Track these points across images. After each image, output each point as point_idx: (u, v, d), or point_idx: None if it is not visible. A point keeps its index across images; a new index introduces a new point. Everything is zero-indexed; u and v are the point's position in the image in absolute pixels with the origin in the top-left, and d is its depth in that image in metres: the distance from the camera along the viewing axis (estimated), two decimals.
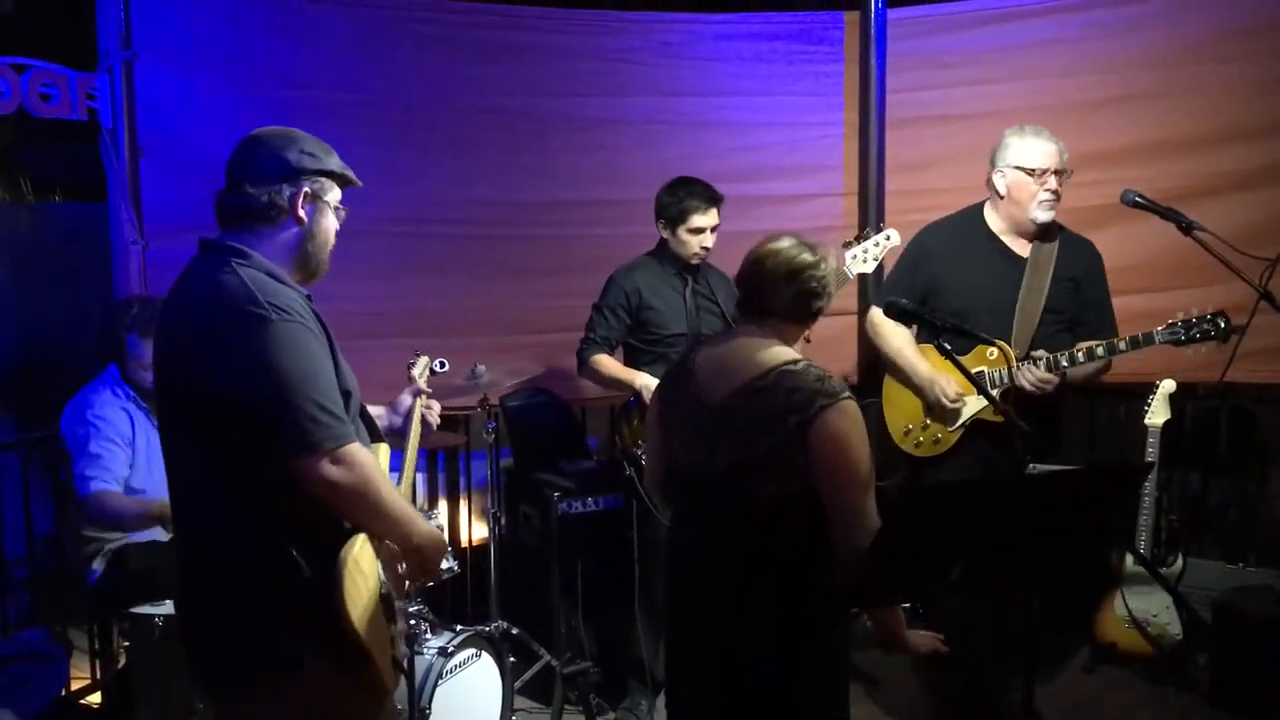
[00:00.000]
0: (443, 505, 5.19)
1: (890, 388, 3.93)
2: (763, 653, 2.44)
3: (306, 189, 2.29)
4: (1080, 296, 3.71)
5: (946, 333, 2.61)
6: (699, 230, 4.01)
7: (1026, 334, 3.65)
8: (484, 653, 3.74)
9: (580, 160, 4.89)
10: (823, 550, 2.37)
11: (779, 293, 2.49)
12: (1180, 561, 4.32)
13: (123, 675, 3.59)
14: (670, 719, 2.72)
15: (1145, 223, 3.68)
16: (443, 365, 3.33)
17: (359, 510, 2.22)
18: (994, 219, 3.76)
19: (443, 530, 3.90)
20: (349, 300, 4.40)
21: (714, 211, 4.02)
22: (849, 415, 2.36)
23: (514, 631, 4.10)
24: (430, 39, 4.67)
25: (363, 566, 2.23)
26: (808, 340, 2.61)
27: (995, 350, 3.63)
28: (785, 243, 2.53)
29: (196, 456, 2.22)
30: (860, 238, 4.14)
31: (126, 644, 3.51)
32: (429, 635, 3.58)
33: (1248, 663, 4.00)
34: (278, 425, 2.11)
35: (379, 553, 2.32)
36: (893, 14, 5.06)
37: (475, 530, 5.21)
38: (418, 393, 2.88)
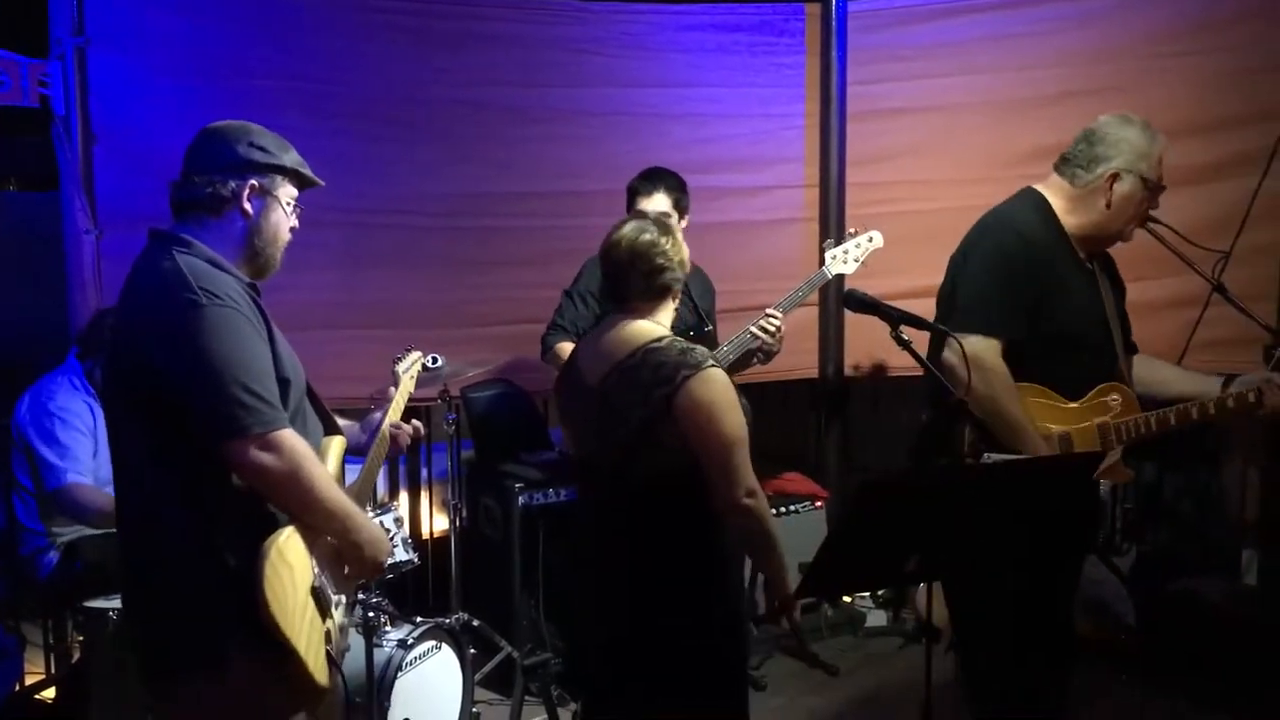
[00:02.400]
0: (403, 497, 5.17)
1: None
2: (663, 617, 2.54)
3: (254, 182, 2.29)
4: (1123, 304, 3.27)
5: (903, 324, 2.62)
6: (643, 214, 3.93)
7: (1122, 354, 3.15)
8: (444, 645, 3.72)
9: (542, 151, 4.87)
10: (703, 510, 2.51)
11: (628, 277, 2.60)
12: (1134, 551, 4.38)
13: (77, 670, 3.55)
14: (582, 692, 2.87)
15: None
16: (436, 361, 3.22)
17: (289, 498, 2.21)
18: (1069, 218, 3.03)
19: (402, 522, 3.86)
20: (310, 291, 4.38)
21: (659, 196, 3.92)
22: (713, 382, 2.47)
23: (475, 623, 4.09)
24: (390, 28, 4.62)
25: (288, 558, 2.21)
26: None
27: (1117, 396, 2.99)
28: (626, 228, 2.63)
29: (136, 446, 2.23)
30: (842, 237, 4.13)
31: (81, 638, 3.47)
32: (388, 627, 3.57)
33: (1200, 649, 4.06)
34: (207, 410, 2.12)
35: (314, 545, 2.29)
36: (853, 6, 5.08)
37: (436, 522, 5.19)
38: (387, 407, 2.76)
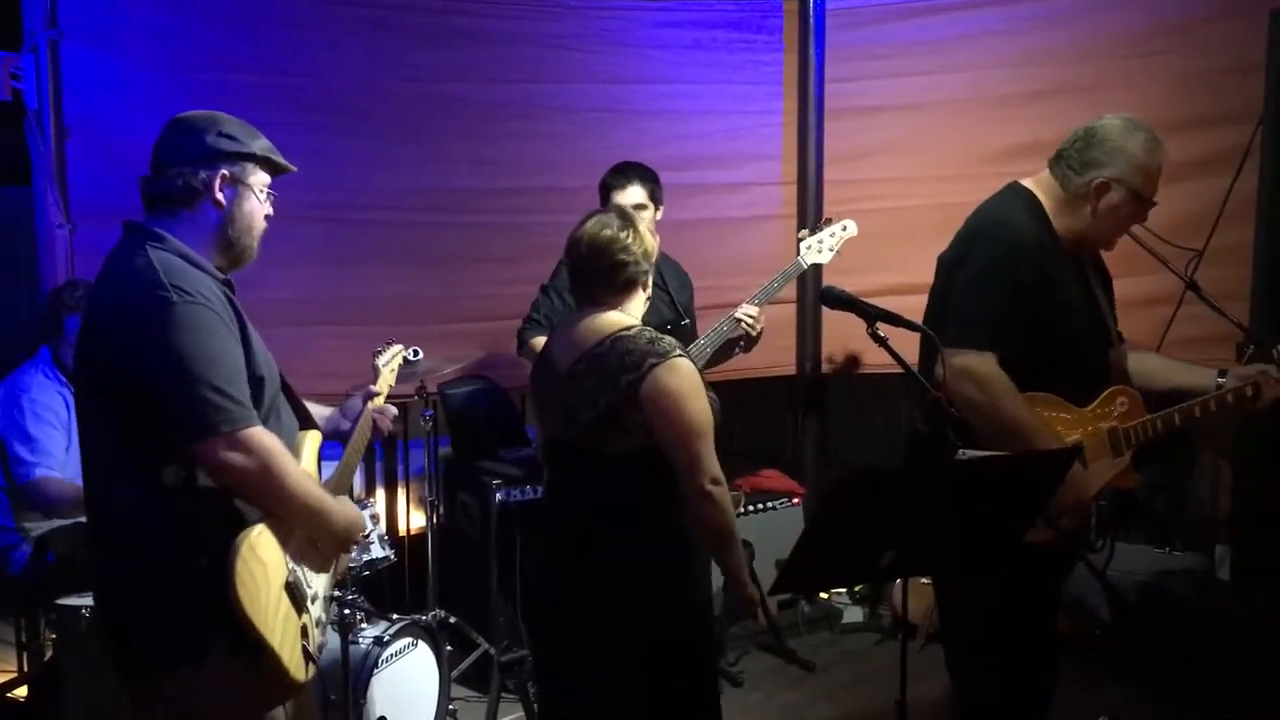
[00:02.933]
0: (380, 494, 5.15)
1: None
2: (623, 602, 2.57)
3: (224, 171, 2.27)
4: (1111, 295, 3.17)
5: (880, 320, 2.62)
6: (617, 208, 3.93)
7: (1119, 353, 3.08)
8: (421, 642, 3.72)
9: (518, 147, 4.86)
10: (668, 496, 2.55)
11: (591, 272, 2.63)
12: (1109, 546, 4.40)
13: (50, 667, 3.52)
14: (539, 684, 2.89)
15: None
16: (417, 354, 3.22)
17: (260, 495, 2.21)
18: (1057, 219, 2.90)
19: (378, 520, 3.85)
20: (287, 287, 4.37)
21: (633, 188, 3.90)
22: (679, 371, 2.50)
23: (451, 620, 4.08)
24: (369, 23, 4.60)
25: (260, 554, 2.20)
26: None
27: (1125, 400, 2.92)
28: (588, 224, 2.66)
29: (106, 442, 2.22)
30: (816, 227, 4.14)
31: (54, 635, 3.44)
32: (365, 625, 3.55)
33: (1174, 644, 4.09)
34: (176, 408, 2.11)
35: (288, 540, 2.29)
36: (831, 4, 5.10)
37: (413, 519, 5.18)
38: (368, 396, 2.76)
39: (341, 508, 2.39)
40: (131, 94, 4.14)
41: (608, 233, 2.61)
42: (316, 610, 2.40)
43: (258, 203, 2.34)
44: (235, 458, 2.13)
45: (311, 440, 2.49)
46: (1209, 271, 3.46)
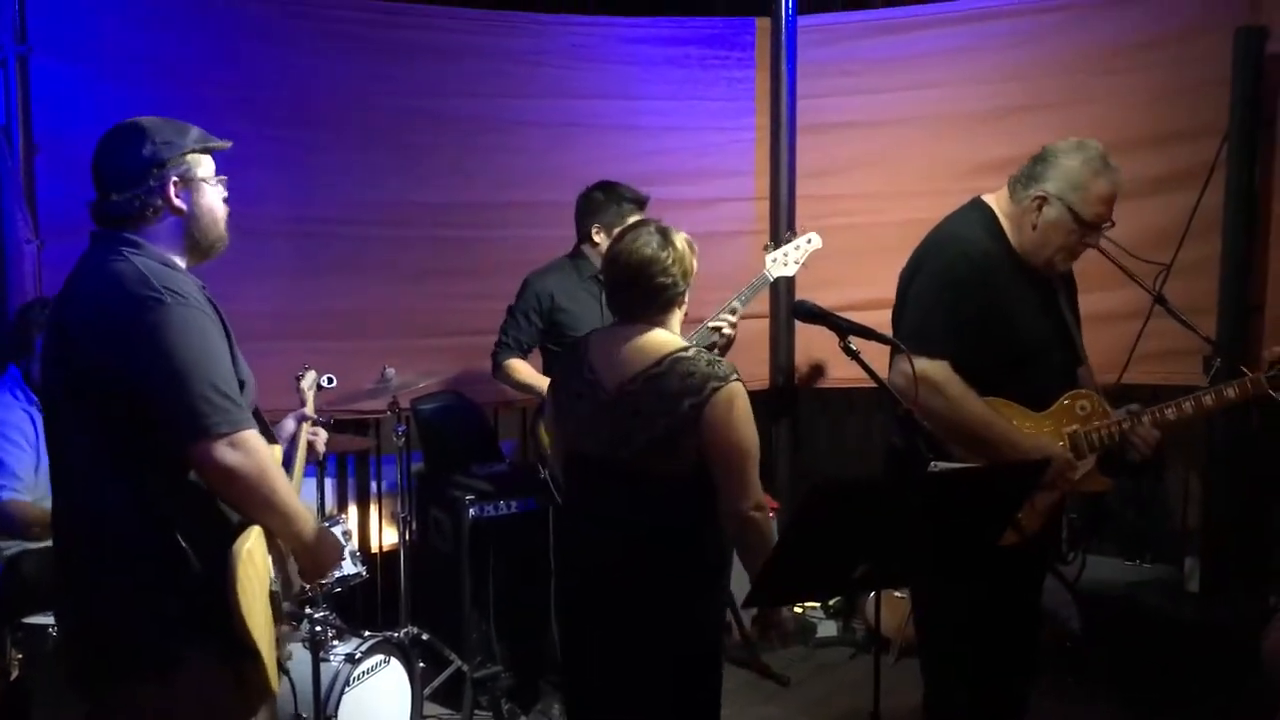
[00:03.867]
0: (352, 510, 5.12)
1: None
2: (660, 609, 2.60)
3: (174, 177, 2.25)
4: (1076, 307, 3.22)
5: (852, 334, 2.63)
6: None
7: (1088, 366, 3.11)
8: (393, 659, 3.69)
9: (491, 162, 4.87)
10: (710, 515, 2.59)
11: (631, 293, 2.64)
12: (1080, 558, 4.43)
13: (16, 687, 3.47)
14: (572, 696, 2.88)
15: None
16: (331, 381, 3.24)
17: (253, 500, 2.19)
18: (1011, 232, 2.97)
19: (350, 536, 3.83)
20: (258, 301, 4.35)
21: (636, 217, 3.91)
22: (739, 396, 2.55)
23: (424, 637, 4.06)
24: (340, 38, 4.60)
25: (255, 561, 2.20)
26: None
27: (1086, 404, 2.97)
28: (626, 241, 2.65)
29: (82, 447, 2.18)
30: (781, 240, 4.17)
31: (20, 655, 3.39)
32: (336, 642, 3.53)
33: (1144, 655, 4.11)
34: (174, 409, 2.09)
35: (270, 549, 2.29)
36: (803, 21, 5.13)
37: (385, 536, 5.15)
38: (302, 419, 2.74)
39: (324, 528, 2.40)
40: (101, 109, 4.10)
41: (647, 251, 2.60)
42: (286, 623, 2.42)
43: (212, 191, 2.33)
44: (235, 457, 2.11)
45: (275, 454, 2.46)
46: (1176, 285, 3.51)
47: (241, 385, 2.23)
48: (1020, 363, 2.92)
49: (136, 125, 2.27)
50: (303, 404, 2.87)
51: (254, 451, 2.14)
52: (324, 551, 2.39)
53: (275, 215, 4.38)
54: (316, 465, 2.74)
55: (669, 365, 2.55)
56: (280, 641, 2.33)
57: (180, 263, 2.27)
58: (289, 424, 2.71)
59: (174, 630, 2.15)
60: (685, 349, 2.59)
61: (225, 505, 2.21)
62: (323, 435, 2.76)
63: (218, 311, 2.25)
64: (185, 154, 2.27)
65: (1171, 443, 4.81)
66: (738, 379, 2.56)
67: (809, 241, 4.13)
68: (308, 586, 2.56)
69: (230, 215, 2.39)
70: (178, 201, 2.25)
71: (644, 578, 2.60)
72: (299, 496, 2.53)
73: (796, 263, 4.11)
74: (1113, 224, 2.94)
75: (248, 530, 2.20)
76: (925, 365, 2.81)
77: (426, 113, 4.76)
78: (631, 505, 2.62)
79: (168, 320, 2.10)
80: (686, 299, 2.70)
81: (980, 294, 2.88)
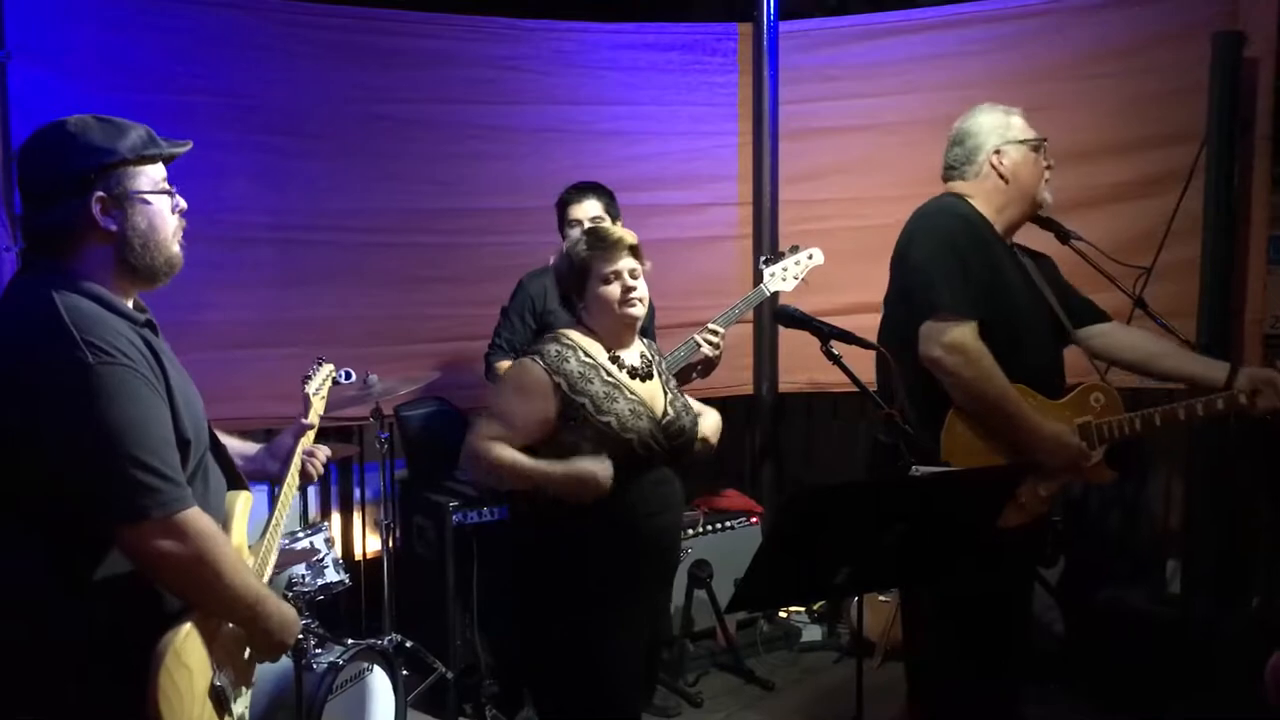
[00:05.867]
0: (335, 518, 5.10)
1: (960, 437, 2.90)
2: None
3: (100, 193, 1.91)
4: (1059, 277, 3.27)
5: (834, 339, 2.64)
6: (577, 222, 3.91)
7: (1100, 331, 3.18)
8: (376, 666, 3.68)
9: (473, 168, 4.86)
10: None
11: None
12: (1063, 562, 4.44)
13: None
14: None
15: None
16: (348, 376, 3.05)
17: (192, 586, 1.93)
18: (989, 210, 3.06)
19: (333, 543, 3.81)
20: (238, 309, 4.34)
21: (590, 203, 3.92)
22: (514, 366, 2.87)
23: (408, 644, 4.04)
24: (319, 45, 4.58)
25: (186, 660, 1.92)
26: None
27: (1101, 395, 3.01)
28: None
29: (12, 530, 1.89)
30: (780, 254, 4.12)
31: None
32: (319, 650, 3.51)
33: (1126, 657, 4.13)
34: (98, 489, 1.82)
35: (214, 638, 2.02)
36: (785, 27, 5.14)
37: (369, 543, 5.13)
38: (300, 431, 2.48)
39: (277, 603, 2.10)
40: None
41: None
42: (239, 707, 2.14)
43: (154, 208, 1.98)
44: (167, 545, 1.85)
45: (243, 503, 2.20)
46: (1157, 288, 3.53)
47: (188, 444, 1.97)
48: (1021, 337, 2.93)
49: (61, 128, 1.95)
50: (305, 410, 2.58)
51: (192, 535, 1.88)
52: (280, 630, 2.11)
53: (255, 222, 4.36)
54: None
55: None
56: None
57: (116, 297, 1.95)
58: (286, 440, 2.48)
59: None
60: (553, 336, 2.85)
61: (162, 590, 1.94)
62: (321, 455, 2.53)
63: (156, 357, 1.94)
64: (115, 165, 1.93)
65: (1153, 447, 4.87)
66: (533, 356, 2.77)
67: (810, 258, 4.05)
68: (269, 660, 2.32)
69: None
70: (105, 222, 1.92)
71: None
72: (285, 514, 2.39)
73: (796, 278, 4.03)
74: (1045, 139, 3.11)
75: (179, 626, 1.92)
76: (955, 331, 2.82)
77: (408, 119, 4.75)
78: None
79: (91, 385, 1.80)
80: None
81: (979, 253, 2.93)
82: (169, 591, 1.94)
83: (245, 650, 2.16)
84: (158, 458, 1.86)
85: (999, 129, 3.07)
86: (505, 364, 4.05)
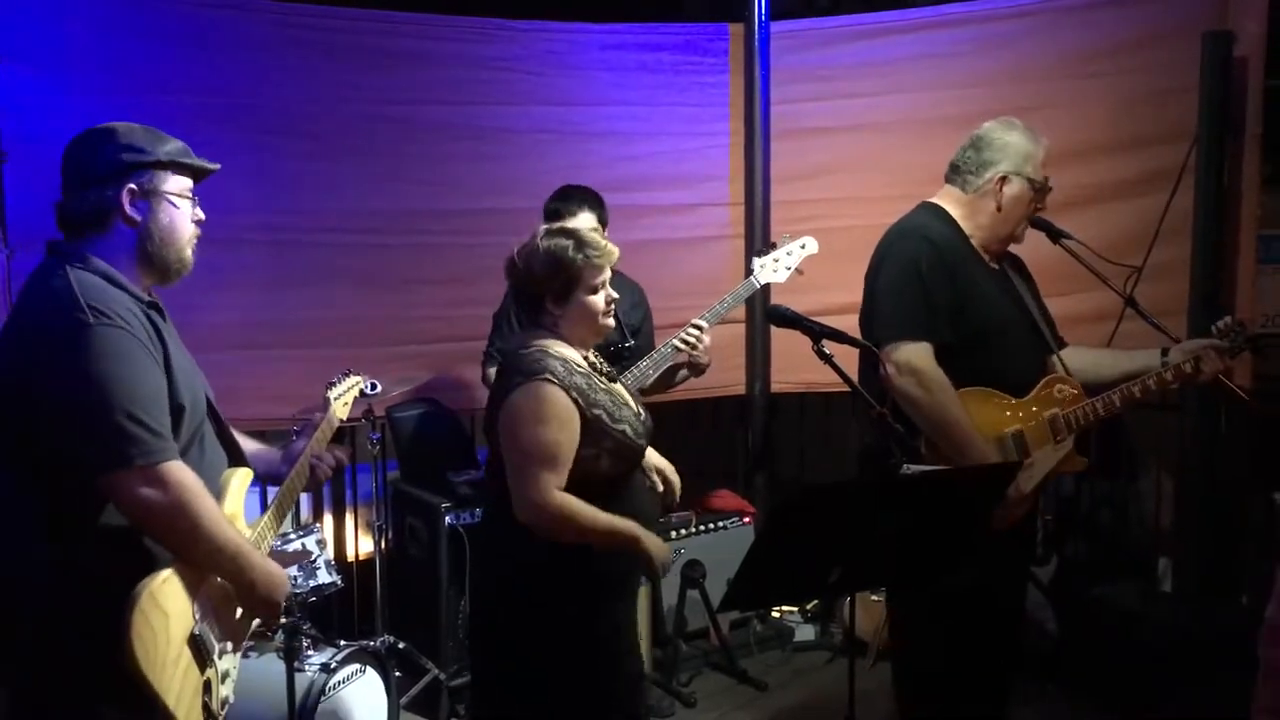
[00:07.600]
0: (328, 519, 5.10)
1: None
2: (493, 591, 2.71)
3: (132, 186, 2.14)
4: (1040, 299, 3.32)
5: (825, 338, 2.64)
6: None
7: (1053, 347, 3.20)
8: (369, 668, 3.67)
9: (465, 169, 4.85)
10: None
11: (518, 289, 2.70)
12: (1055, 561, 4.46)
13: None
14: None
15: None
16: (374, 387, 3.04)
17: (173, 535, 2.06)
18: (966, 224, 3.10)
19: (325, 544, 3.81)
20: (231, 310, 4.33)
21: (585, 215, 3.86)
22: (530, 394, 2.50)
23: (400, 646, 4.04)
24: (314, 45, 4.57)
25: (163, 604, 2.04)
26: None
27: (1065, 388, 3.05)
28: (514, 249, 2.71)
29: (6, 481, 2.07)
30: (773, 245, 4.06)
31: None
32: (311, 651, 3.51)
33: (1118, 656, 4.13)
34: (87, 437, 1.98)
35: (200, 588, 2.14)
36: (776, 27, 5.14)
37: (361, 544, 5.12)
38: (310, 433, 2.58)
39: (262, 559, 2.23)
40: (72, 116, 4.00)
41: (516, 249, 2.69)
42: (225, 663, 2.24)
43: (178, 211, 2.21)
44: (149, 493, 1.99)
45: (240, 478, 2.33)
46: (1147, 288, 3.54)
47: (182, 410, 2.12)
48: (987, 346, 2.97)
49: (109, 128, 2.19)
50: (322, 414, 2.68)
51: (173, 485, 2.01)
52: (265, 585, 2.22)
53: (249, 223, 4.35)
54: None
55: (511, 364, 2.65)
56: (211, 684, 2.18)
57: (129, 279, 2.15)
58: (299, 443, 2.58)
59: (83, 678, 2.03)
60: (528, 349, 2.62)
61: (149, 541, 2.08)
62: (328, 460, 2.59)
63: (158, 332, 2.13)
64: (151, 164, 2.17)
65: (1144, 445, 4.89)
66: (543, 379, 2.50)
67: (803, 247, 3.96)
68: (264, 623, 2.34)
69: (201, 225, 2.31)
70: (131, 211, 2.15)
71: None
72: (287, 512, 2.50)
73: (788, 268, 3.95)
74: (1050, 188, 3.14)
75: (158, 571, 2.05)
76: (908, 351, 2.89)
77: (400, 120, 4.74)
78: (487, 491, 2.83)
79: (88, 342, 1.99)
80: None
81: (946, 276, 2.96)
82: (153, 539, 2.07)
83: (237, 609, 2.25)
84: (145, 412, 2.00)
85: (1019, 157, 3.06)
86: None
